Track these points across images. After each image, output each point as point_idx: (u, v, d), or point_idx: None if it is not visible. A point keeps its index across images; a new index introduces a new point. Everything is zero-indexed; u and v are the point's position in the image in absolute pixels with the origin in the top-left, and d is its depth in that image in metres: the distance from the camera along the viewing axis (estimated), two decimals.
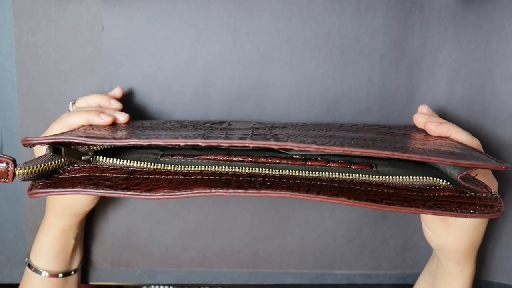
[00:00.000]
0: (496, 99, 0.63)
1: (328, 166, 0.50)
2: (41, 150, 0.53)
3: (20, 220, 0.66)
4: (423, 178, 0.47)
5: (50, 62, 0.62)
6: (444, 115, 0.63)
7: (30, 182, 0.44)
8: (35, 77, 0.62)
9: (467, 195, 0.45)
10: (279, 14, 0.61)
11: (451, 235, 0.54)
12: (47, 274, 0.59)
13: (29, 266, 0.60)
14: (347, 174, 0.47)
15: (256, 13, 0.61)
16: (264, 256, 0.67)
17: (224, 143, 0.42)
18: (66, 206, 0.58)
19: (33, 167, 0.43)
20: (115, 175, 0.46)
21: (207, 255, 0.67)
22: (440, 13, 0.61)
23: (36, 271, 0.59)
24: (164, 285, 0.70)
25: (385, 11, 0.61)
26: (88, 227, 0.66)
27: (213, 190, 0.43)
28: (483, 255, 0.66)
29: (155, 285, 0.70)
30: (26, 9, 0.61)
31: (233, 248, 0.67)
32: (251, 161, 0.50)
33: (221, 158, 0.50)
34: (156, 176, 0.46)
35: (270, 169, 0.47)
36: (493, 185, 0.53)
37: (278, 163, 0.50)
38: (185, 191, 0.43)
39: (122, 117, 0.54)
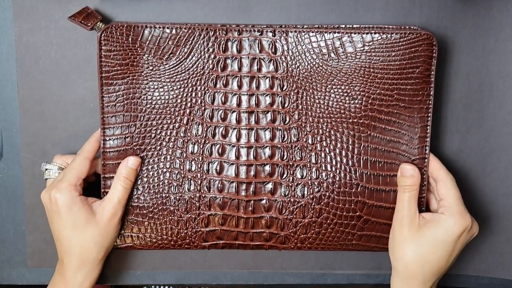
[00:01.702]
0: (495, 97, 0.63)
1: None
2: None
3: (20, 220, 0.66)
4: None
5: (50, 62, 0.62)
6: (443, 114, 0.63)
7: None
8: (35, 77, 0.62)
9: None
10: (278, 16, 0.62)
11: (412, 247, 0.57)
12: None
13: None
14: None
15: (254, 15, 0.62)
16: (265, 257, 0.67)
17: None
18: (101, 248, 0.59)
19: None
20: None
21: (207, 256, 0.67)
22: (439, 13, 0.62)
23: None
24: (164, 285, 0.70)
25: (384, 11, 0.62)
26: None
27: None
28: (482, 251, 0.66)
29: (155, 285, 0.70)
30: (26, 9, 0.61)
31: (233, 249, 0.67)
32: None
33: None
34: None
35: None
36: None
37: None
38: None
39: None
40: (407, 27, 0.58)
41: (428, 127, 0.59)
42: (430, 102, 0.59)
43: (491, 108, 0.63)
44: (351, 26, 0.59)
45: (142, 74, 0.59)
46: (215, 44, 0.58)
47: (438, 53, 0.58)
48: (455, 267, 0.66)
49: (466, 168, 0.65)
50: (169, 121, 0.60)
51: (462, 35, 0.62)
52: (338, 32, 0.58)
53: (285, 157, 0.60)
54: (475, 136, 0.64)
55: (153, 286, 0.71)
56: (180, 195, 0.61)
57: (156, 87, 0.59)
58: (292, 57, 0.59)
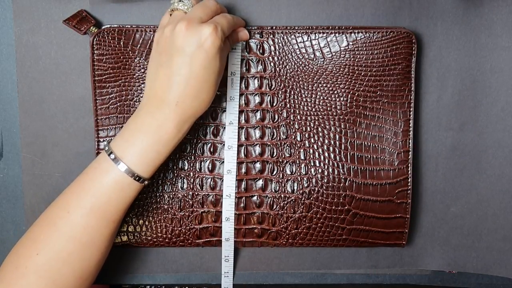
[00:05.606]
0: (487, 93, 0.63)
1: None
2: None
3: (20, 220, 0.67)
4: None
5: (50, 62, 0.63)
6: (436, 110, 0.64)
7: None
8: (35, 77, 0.63)
9: None
10: (268, 17, 0.63)
11: None
12: (144, 181, 0.55)
13: (122, 167, 0.53)
14: None
15: (245, 16, 0.63)
16: (262, 258, 0.67)
17: None
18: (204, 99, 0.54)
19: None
20: None
21: (204, 259, 0.67)
22: (429, 10, 0.62)
23: (133, 175, 0.53)
24: (164, 285, 0.70)
25: (374, 9, 0.63)
26: None
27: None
28: (480, 249, 0.65)
29: (155, 285, 0.70)
30: (26, 9, 0.62)
31: None
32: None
33: None
34: None
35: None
36: None
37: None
38: None
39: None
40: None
41: (410, 121, 0.61)
42: (412, 97, 0.61)
43: (484, 104, 0.64)
44: (335, 26, 0.60)
45: (134, 76, 0.61)
46: None
47: (418, 50, 0.61)
48: (452, 264, 0.66)
49: (461, 165, 0.64)
50: None
51: (453, 32, 0.63)
52: (323, 33, 0.60)
53: (274, 154, 0.62)
54: (469, 133, 0.64)
55: (153, 286, 0.71)
56: (173, 193, 0.62)
57: None
58: (280, 58, 0.61)
